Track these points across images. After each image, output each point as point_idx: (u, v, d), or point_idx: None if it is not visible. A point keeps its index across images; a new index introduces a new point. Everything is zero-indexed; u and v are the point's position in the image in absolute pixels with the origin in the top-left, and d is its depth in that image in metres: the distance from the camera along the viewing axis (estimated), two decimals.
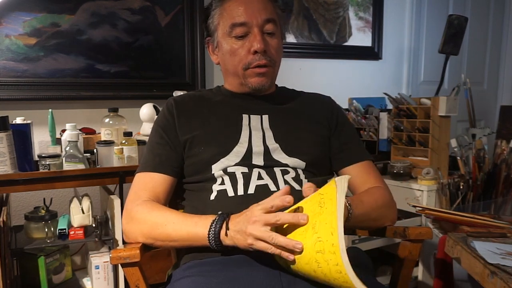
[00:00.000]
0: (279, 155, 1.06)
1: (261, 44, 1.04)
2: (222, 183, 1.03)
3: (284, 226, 0.82)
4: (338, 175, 1.19)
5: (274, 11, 1.09)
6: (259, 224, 0.80)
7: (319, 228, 0.76)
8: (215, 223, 0.88)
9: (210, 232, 0.88)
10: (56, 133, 1.73)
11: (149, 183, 1.05)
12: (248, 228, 0.81)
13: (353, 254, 0.86)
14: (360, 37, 2.67)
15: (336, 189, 0.78)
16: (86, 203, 1.62)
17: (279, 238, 0.78)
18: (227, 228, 0.86)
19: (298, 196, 1.00)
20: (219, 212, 0.91)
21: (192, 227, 0.92)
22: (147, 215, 0.98)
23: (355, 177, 1.12)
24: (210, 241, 0.88)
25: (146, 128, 1.86)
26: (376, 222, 1.07)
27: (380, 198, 1.07)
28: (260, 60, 1.06)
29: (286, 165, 1.05)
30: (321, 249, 0.74)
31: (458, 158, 1.83)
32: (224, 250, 0.90)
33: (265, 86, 1.10)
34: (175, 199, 1.19)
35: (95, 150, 1.67)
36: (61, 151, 1.66)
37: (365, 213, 1.00)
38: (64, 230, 1.57)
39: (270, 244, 0.79)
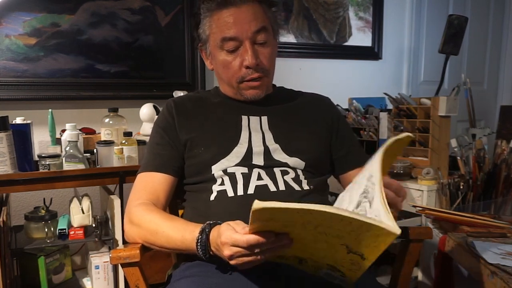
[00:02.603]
0: (279, 155, 1.06)
1: (253, 59, 1.03)
2: (222, 183, 1.03)
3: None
4: (340, 178, 1.19)
5: (265, 17, 1.06)
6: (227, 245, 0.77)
7: None
8: (199, 241, 0.85)
9: (198, 248, 0.86)
10: (56, 133, 1.73)
11: (149, 183, 1.06)
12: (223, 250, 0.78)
13: None
14: (360, 37, 2.67)
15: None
16: (86, 203, 1.62)
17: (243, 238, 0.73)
18: (209, 245, 0.84)
19: (297, 196, 1.00)
20: (205, 224, 0.87)
21: (180, 241, 0.90)
22: (141, 219, 0.98)
23: None
24: (200, 255, 0.86)
25: (146, 128, 1.86)
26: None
27: None
28: (253, 74, 1.06)
29: (286, 165, 1.05)
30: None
31: (458, 158, 1.82)
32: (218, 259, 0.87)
33: (260, 96, 1.10)
34: (175, 199, 1.19)
35: (95, 150, 1.67)
36: (61, 151, 1.66)
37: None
38: (64, 230, 1.57)
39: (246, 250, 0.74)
